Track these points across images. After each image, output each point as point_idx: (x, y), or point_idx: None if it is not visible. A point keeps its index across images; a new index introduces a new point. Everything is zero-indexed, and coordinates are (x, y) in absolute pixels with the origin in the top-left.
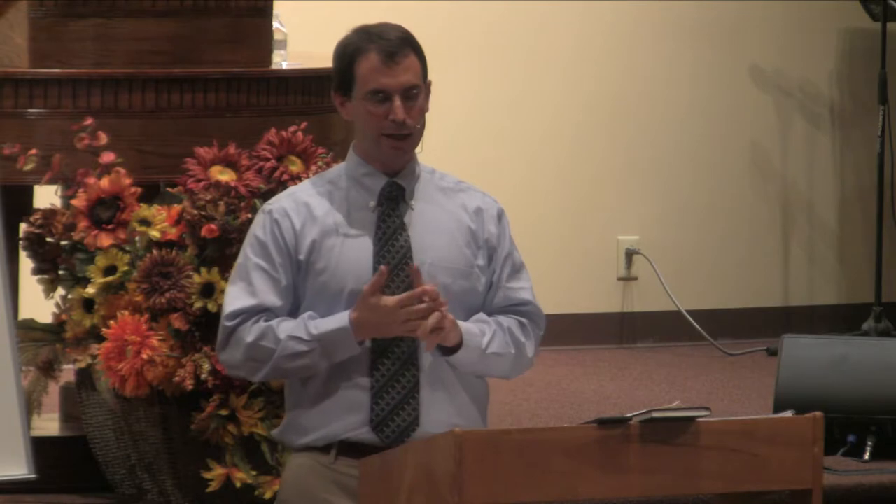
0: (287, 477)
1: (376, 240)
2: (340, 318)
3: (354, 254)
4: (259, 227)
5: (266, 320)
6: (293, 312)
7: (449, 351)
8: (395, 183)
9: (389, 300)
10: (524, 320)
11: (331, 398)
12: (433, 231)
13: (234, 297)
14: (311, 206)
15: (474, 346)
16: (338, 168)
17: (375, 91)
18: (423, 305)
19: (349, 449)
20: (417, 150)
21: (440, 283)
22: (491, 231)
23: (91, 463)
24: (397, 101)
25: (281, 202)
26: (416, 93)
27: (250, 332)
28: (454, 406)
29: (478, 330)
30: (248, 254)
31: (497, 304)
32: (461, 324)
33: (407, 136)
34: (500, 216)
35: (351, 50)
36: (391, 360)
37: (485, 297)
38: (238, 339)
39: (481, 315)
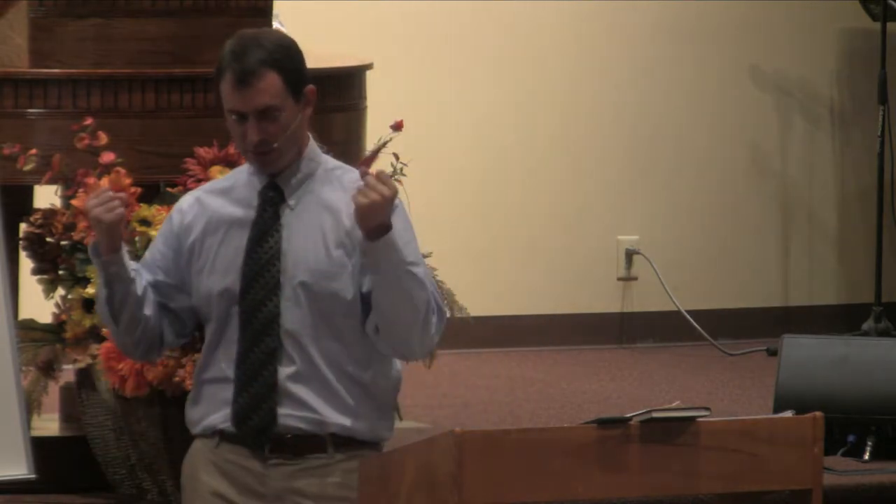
0: (184, 460)
1: (249, 240)
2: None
3: (229, 254)
4: (171, 213)
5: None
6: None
7: (371, 236)
8: (273, 184)
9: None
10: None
11: (207, 392)
12: (305, 231)
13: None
14: (204, 203)
15: (397, 249)
16: (240, 168)
17: (231, 111)
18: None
19: (229, 437)
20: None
21: (299, 282)
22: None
23: (91, 463)
24: (252, 123)
25: (182, 199)
26: (275, 112)
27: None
28: (326, 403)
29: (408, 249)
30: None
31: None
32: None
33: (268, 151)
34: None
35: (218, 66)
36: (251, 359)
37: (354, 301)
38: None
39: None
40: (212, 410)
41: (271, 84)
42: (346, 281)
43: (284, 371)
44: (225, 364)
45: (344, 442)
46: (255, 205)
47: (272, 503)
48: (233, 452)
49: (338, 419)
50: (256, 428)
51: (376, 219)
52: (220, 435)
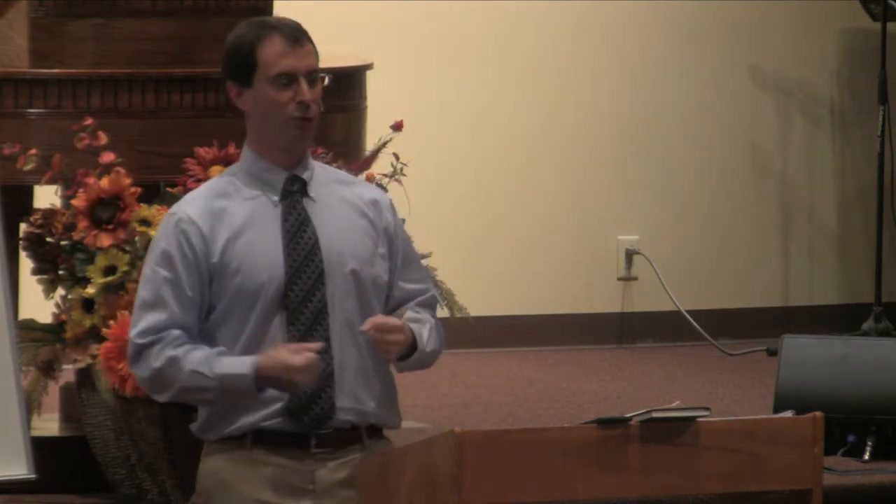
0: (203, 469)
1: (284, 234)
2: (243, 364)
3: (265, 250)
4: (164, 238)
5: (175, 344)
6: (202, 323)
7: (403, 356)
8: (295, 176)
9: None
10: (433, 311)
11: None
12: (336, 221)
13: (144, 313)
14: (215, 208)
15: (420, 349)
16: (233, 168)
17: (281, 74)
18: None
19: (264, 438)
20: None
21: (349, 271)
22: (388, 220)
23: (91, 463)
24: (304, 84)
25: (185, 209)
26: (317, 77)
27: (158, 358)
28: (367, 393)
29: (419, 329)
30: (154, 266)
31: (397, 297)
32: (415, 328)
33: (311, 119)
34: (393, 207)
35: (251, 38)
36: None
37: (385, 287)
38: (146, 360)
39: (414, 312)
40: (248, 410)
41: (313, 50)
42: (381, 266)
43: (338, 361)
44: None
45: (375, 432)
46: (274, 199)
47: (320, 499)
48: (273, 453)
49: (375, 409)
50: (314, 420)
51: (403, 352)
52: (253, 436)
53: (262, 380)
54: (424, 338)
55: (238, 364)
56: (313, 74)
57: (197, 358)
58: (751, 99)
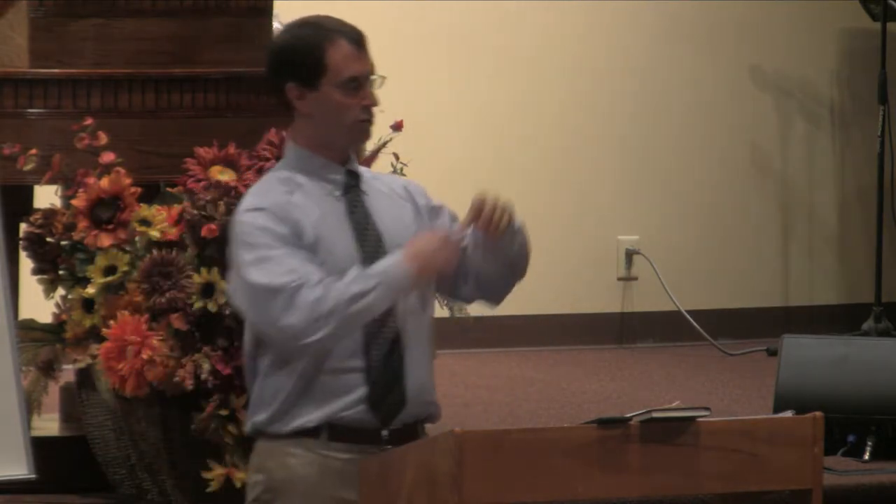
0: (268, 463)
1: (353, 228)
2: (391, 256)
3: (342, 244)
4: (258, 224)
5: (319, 284)
6: None
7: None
8: (353, 171)
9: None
10: None
11: (323, 380)
12: (389, 212)
13: (278, 272)
14: (284, 203)
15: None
16: (285, 165)
17: (352, 78)
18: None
19: (339, 432)
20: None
21: None
22: (422, 202)
23: (91, 463)
24: (370, 87)
25: (258, 202)
26: (375, 79)
27: (312, 292)
28: (429, 383)
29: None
30: (257, 250)
31: (470, 245)
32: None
33: (373, 120)
34: (422, 189)
35: (317, 40)
36: (380, 340)
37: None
38: (296, 302)
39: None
40: (325, 401)
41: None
42: None
43: (408, 351)
44: (344, 353)
45: (424, 428)
46: (336, 194)
47: None
48: (343, 450)
49: (432, 400)
50: (389, 410)
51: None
52: (329, 430)
53: (412, 261)
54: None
55: (387, 259)
56: (373, 76)
57: (348, 276)
58: (751, 99)
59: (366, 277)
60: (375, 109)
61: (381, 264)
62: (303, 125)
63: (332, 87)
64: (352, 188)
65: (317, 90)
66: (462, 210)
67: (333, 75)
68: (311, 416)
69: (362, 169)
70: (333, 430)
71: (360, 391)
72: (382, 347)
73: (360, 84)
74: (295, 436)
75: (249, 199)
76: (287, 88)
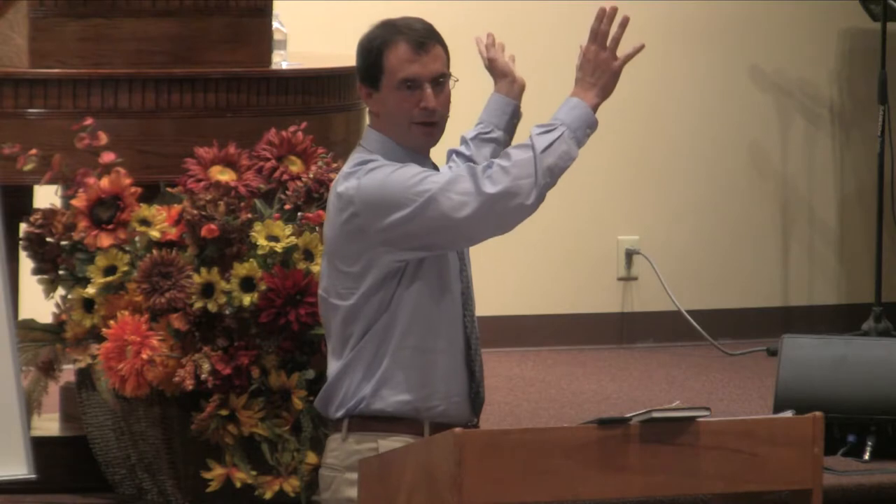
0: (367, 450)
1: None
2: (569, 100)
3: None
4: (385, 161)
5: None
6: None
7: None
8: (433, 164)
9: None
10: None
11: (435, 364)
12: None
13: (439, 178)
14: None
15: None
16: (371, 151)
17: (406, 80)
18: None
19: (441, 427)
20: None
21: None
22: None
23: (91, 463)
24: (428, 89)
25: (373, 156)
26: (444, 80)
27: (502, 161)
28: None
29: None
30: (405, 176)
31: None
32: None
33: (436, 122)
34: None
35: (378, 42)
36: (475, 340)
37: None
38: (491, 172)
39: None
40: (436, 379)
41: (440, 53)
42: None
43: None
44: (450, 341)
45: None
46: None
47: None
48: None
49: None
50: (479, 405)
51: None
52: (431, 428)
53: (587, 93)
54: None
55: (563, 106)
56: (439, 79)
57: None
58: (751, 99)
59: (549, 129)
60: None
61: (558, 112)
62: (380, 124)
63: (390, 88)
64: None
65: (379, 91)
66: None
67: (390, 77)
68: (419, 393)
69: None
70: (435, 429)
71: (462, 382)
72: (476, 341)
73: (416, 85)
74: (391, 430)
75: (356, 165)
76: (358, 87)
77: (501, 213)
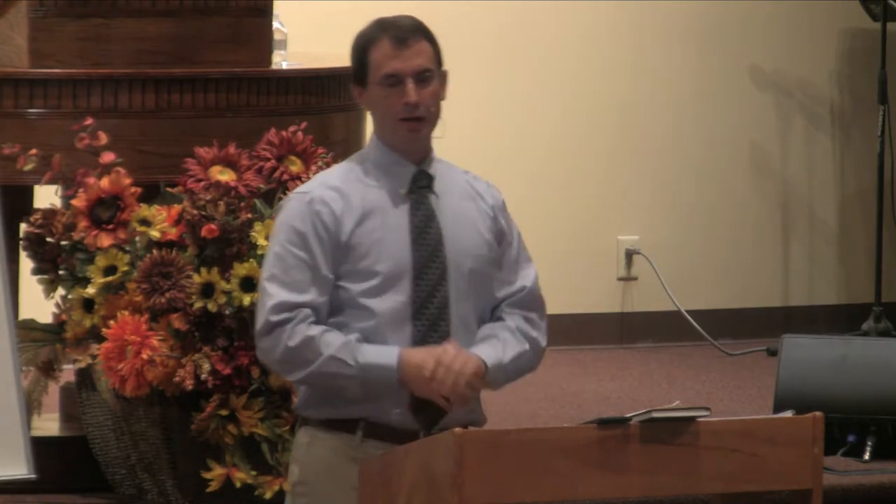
0: (304, 457)
1: (412, 228)
2: (389, 355)
3: (393, 240)
4: (297, 217)
5: (309, 322)
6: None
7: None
8: (424, 171)
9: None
10: (529, 314)
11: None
12: (459, 220)
13: (276, 290)
14: (345, 192)
15: (497, 365)
16: (361, 155)
17: (388, 75)
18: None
19: (376, 430)
20: (438, 135)
21: (468, 269)
22: (502, 224)
23: (91, 463)
24: (410, 84)
25: (317, 190)
26: (429, 76)
27: (293, 336)
28: (474, 392)
29: (490, 348)
30: (286, 245)
31: (497, 294)
32: (477, 350)
33: (421, 118)
34: (504, 205)
35: (364, 40)
36: (432, 341)
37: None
38: (279, 338)
39: (485, 330)
40: (366, 400)
41: (425, 49)
42: (496, 264)
43: None
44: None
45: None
46: (400, 192)
47: None
48: (379, 448)
49: (477, 406)
50: (431, 417)
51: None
52: (364, 427)
53: (404, 377)
54: (495, 352)
55: (384, 355)
56: (423, 74)
57: (336, 342)
58: (751, 99)
59: (350, 359)
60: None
61: (374, 357)
62: (375, 121)
63: (375, 85)
64: (419, 189)
65: (366, 88)
66: None
67: (374, 73)
68: (347, 410)
69: (457, 171)
70: (370, 429)
71: (403, 395)
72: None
73: (398, 81)
74: (331, 425)
75: (310, 183)
76: (352, 86)
77: (267, 362)
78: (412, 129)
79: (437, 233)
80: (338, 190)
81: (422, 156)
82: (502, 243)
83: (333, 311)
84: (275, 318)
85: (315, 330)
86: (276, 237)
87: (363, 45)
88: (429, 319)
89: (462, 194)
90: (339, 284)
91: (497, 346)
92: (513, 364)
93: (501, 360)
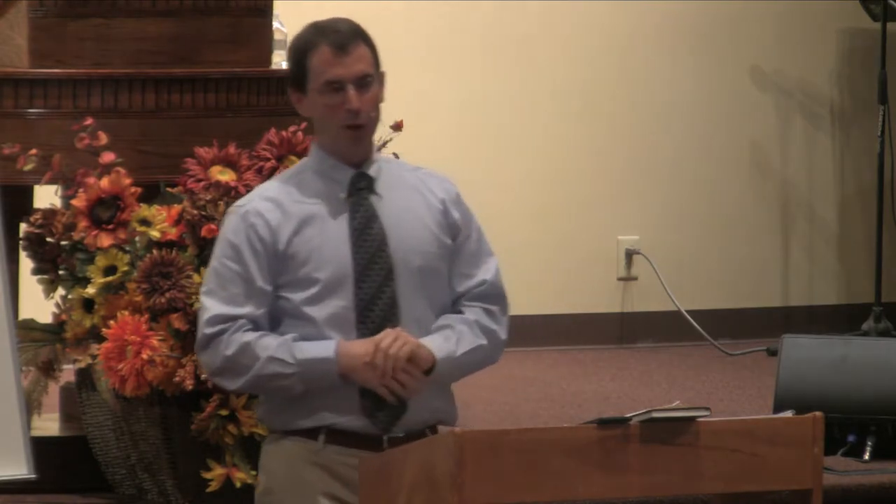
0: (271, 465)
1: (351, 231)
2: (326, 348)
3: (332, 244)
4: (231, 231)
5: (244, 330)
6: (269, 312)
7: (426, 372)
8: (363, 173)
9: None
10: (490, 307)
11: (312, 389)
12: (404, 217)
13: (212, 304)
14: (281, 202)
15: (447, 357)
16: (301, 164)
17: (329, 82)
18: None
19: (338, 436)
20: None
21: (417, 267)
22: (456, 217)
23: (91, 463)
24: (351, 91)
25: (252, 202)
26: (370, 81)
27: (229, 345)
28: (437, 389)
29: (443, 340)
30: (222, 259)
31: (457, 289)
32: (427, 341)
33: (362, 125)
34: (459, 198)
35: (302, 45)
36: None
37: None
38: (216, 349)
39: (441, 320)
40: (323, 406)
41: (365, 53)
42: (446, 259)
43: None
44: None
45: (436, 431)
46: (340, 197)
47: None
48: (341, 453)
49: (443, 405)
50: (387, 418)
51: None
52: (327, 434)
53: (343, 367)
54: (447, 344)
55: (321, 348)
56: (364, 79)
57: (272, 344)
58: (751, 99)
59: (288, 358)
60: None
61: (311, 350)
62: (315, 126)
63: (315, 91)
64: (359, 191)
65: (306, 95)
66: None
67: (314, 80)
68: (310, 419)
69: (405, 167)
70: (332, 436)
71: (355, 400)
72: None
73: (339, 87)
74: (294, 434)
75: (248, 196)
76: (289, 91)
77: (209, 375)
78: (355, 136)
79: (379, 233)
80: (273, 200)
81: (363, 158)
82: (458, 236)
83: (277, 322)
84: (210, 330)
85: (251, 336)
86: (214, 252)
87: (302, 51)
88: (374, 322)
89: (409, 191)
90: (281, 295)
91: (451, 338)
92: (467, 357)
93: (454, 353)
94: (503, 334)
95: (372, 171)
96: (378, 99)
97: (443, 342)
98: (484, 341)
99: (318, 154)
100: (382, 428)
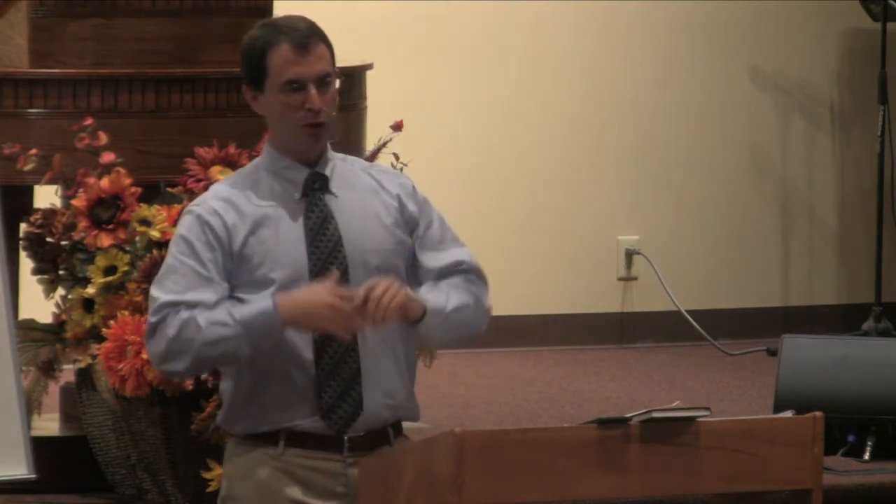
0: (232, 471)
1: (307, 231)
2: (264, 299)
3: (288, 245)
4: (186, 229)
5: (186, 309)
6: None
7: (415, 322)
8: (317, 173)
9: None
10: (469, 276)
11: (274, 387)
12: (360, 216)
13: (159, 294)
14: (236, 202)
15: (438, 309)
16: (253, 165)
17: (290, 81)
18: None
19: (297, 439)
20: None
21: (373, 266)
22: (412, 209)
23: (91, 463)
24: (312, 90)
25: (207, 202)
26: (329, 80)
27: (172, 325)
28: (398, 384)
29: (434, 293)
30: (175, 255)
31: (432, 269)
32: (419, 292)
33: (322, 124)
34: (415, 191)
35: (261, 44)
36: (334, 347)
37: (407, 272)
38: (161, 333)
39: (425, 286)
40: (279, 409)
41: (324, 53)
42: (404, 256)
43: (366, 356)
44: (294, 361)
45: (399, 431)
46: (295, 197)
47: (352, 501)
48: (302, 456)
49: (403, 401)
50: (345, 418)
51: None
52: (286, 437)
53: (287, 316)
54: (437, 299)
55: (259, 302)
56: (324, 79)
57: (212, 313)
58: (751, 99)
59: (228, 320)
60: (326, 110)
61: (251, 309)
62: (270, 125)
63: (274, 90)
64: (313, 191)
65: (263, 93)
66: (461, 210)
67: (274, 78)
68: (261, 423)
69: (360, 164)
70: (291, 439)
71: (311, 400)
72: (335, 355)
73: (300, 87)
74: (255, 438)
75: (201, 197)
76: (244, 90)
77: (157, 364)
78: (314, 134)
79: (334, 233)
80: (228, 201)
81: (317, 157)
82: (417, 229)
83: None
84: (154, 318)
85: (193, 312)
86: (168, 250)
87: (260, 49)
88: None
89: (363, 189)
90: (236, 296)
91: (441, 292)
92: (456, 315)
93: (444, 307)
94: (488, 303)
95: (326, 171)
96: (336, 98)
97: (434, 295)
98: (471, 301)
99: (272, 153)
100: (338, 430)
